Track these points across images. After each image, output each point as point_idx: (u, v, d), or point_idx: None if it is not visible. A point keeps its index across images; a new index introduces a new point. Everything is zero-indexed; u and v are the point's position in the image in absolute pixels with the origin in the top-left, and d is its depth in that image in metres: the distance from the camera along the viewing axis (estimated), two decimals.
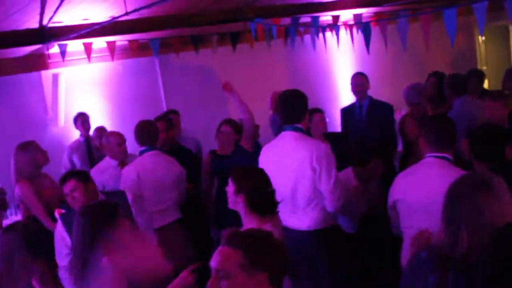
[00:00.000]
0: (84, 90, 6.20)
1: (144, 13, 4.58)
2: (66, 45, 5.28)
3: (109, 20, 4.85)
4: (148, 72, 6.62)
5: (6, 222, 4.21)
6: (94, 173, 4.33)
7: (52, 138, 5.92)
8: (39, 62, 5.71)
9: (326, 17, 6.48)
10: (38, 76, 5.86)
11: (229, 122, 4.91)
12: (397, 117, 5.71)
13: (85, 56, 5.43)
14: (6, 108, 5.58)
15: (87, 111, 5.87)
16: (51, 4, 4.35)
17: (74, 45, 5.38)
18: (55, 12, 4.49)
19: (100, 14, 5.14)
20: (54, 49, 5.35)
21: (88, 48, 5.39)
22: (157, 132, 4.41)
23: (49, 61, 5.70)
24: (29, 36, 4.94)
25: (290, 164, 3.38)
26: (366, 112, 5.33)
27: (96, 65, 6.05)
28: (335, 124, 6.72)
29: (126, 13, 4.11)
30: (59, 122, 5.89)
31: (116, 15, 4.73)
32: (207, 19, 5.93)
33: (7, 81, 5.59)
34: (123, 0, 4.08)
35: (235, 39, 6.54)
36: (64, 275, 2.84)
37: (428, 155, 3.03)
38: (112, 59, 5.63)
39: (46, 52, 5.45)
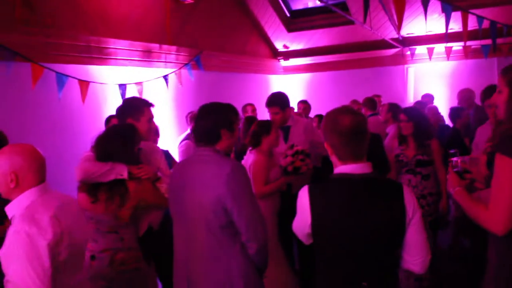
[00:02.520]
0: (428, 80, 8.76)
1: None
2: (415, 48, 8.14)
3: (446, 32, 7.31)
4: (481, 72, 8.28)
5: None
6: None
7: None
8: (400, 59, 8.74)
9: None
10: (401, 68, 8.89)
11: None
12: None
13: (427, 56, 8.06)
14: (375, 89, 8.74)
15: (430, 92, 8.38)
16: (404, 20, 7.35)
17: (421, 49, 8.16)
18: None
19: (437, 27, 7.65)
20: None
21: (430, 51, 7.99)
22: None
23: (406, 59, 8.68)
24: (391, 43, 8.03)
25: None
26: None
27: (437, 63, 8.48)
28: None
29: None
30: (408, 99, 8.73)
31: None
32: None
33: (378, 71, 8.92)
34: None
35: None
36: None
37: None
38: (448, 59, 7.99)
39: (403, 53, 8.47)
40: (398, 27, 7.61)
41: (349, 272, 1.98)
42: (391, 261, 2.04)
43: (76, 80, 4.77)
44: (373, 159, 3.24)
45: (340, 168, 2.01)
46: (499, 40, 6.56)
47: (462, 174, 2.34)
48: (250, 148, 3.92)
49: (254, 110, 6.80)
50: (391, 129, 5.55)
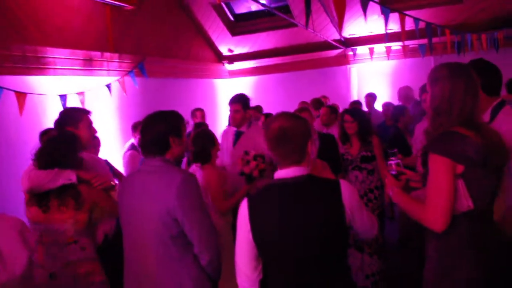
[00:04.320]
0: (370, 79, 9.02)
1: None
2: (356, 49, 8.34)
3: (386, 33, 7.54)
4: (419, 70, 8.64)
5: None
6: None
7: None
8: (343, 60, 8.94)
9: None
10: (344, 68, 9.09)
11: None
12: None
13: (369, 56, 8.29)
14: (321, 90, 8.91)
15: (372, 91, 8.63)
16: (344, 22, 7.51)
17: (362, 49, 8.37)
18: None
19: (378, 28, 7.89)
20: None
21: (371, 51, 8.23)
22: None
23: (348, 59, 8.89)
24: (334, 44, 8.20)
25: None
26: None
27: (378, 62, 8.75)
28: None
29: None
30: (352, 98, 8.95)
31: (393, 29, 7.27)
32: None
33: (323, 72, 9.09)
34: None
35: None
36: None
37: None
38: (388, 58, 8.25)
39: (345, 54, 8.67)
40: (339, 28, 7.82)
41: (295, 278, 1.96)
42: (338, 262, 2.01)
43: (12, 92, 4.55)
44: (327, 160, 3.36)
45: (277, 173, 2.01)
46: (434, 40, 6.84)
47: (397, 176, 2.42)
48: (197, 164, 3.73)
49: (203, 115, 6.75)
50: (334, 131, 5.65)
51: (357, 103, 7.68)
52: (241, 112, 4.26)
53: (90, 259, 2.76)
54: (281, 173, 2.00)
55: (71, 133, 2.99)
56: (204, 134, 3.79)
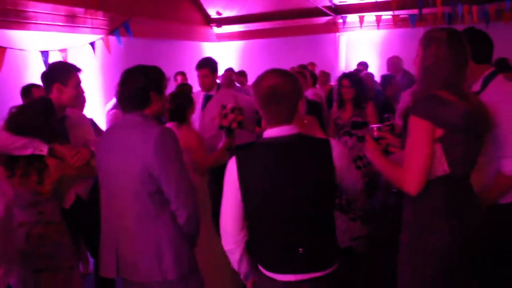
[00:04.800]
0: (359, 48, 8.95)
1: None
2: (346, 16, 8.24)
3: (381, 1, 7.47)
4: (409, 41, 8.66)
5: None
6: None
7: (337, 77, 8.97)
8: (332, 28, 8.84)
9: None
10: (333, 36, 9.00)
11: None
12: None
13: (359, 25, 8.21)
14: (309, 57, 8.83)
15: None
16: None
17: (352, 18, 8.27)
18: None
19: None
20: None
21: (361, 19, 8.14)
22: None
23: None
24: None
25: None
26: None
27: (367, 31, 8.67)
28: None
29: None
30: (340, 67, 8.90)
31: None
32: None
33: (312, 39, 8.99)
34: None
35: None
36: None
37: None
38: (378, 27, 8.18)
39: (335, 21, 8.57)
40: None
41: (283, 238, 1.95)
42: (326, 223, 2.02)
43: None
44: None
45: (266, 132, 1.97)
46: (425, 10, 6.80)
47: (378, 140, 2.43)
48: (173, 124, 3.59)
49: (185, 79, 6.65)
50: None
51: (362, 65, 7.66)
52: (209, 77, 4.23)
53: (46, 222, 2.71)
54: (271, 132, 1.95)
55: (47, 100, 2.87)
56: (180, 93, 3.70)
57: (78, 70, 3.18)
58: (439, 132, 2.02)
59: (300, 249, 1.93)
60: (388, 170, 2.21)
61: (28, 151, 2.62)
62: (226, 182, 1.99)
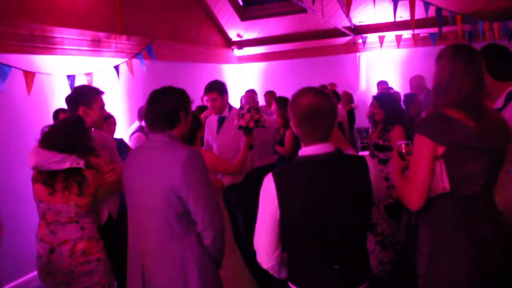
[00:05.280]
0: (379, 68, 8.95)
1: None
2: (366, 37, 8.26)
3: (395, 20, 7.46)
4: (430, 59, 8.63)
5: None
6: None
7: (358, 96, 8.93)
8: (352, 48, 8.86)
9: None
10: (353, 56, 9.02)
11: None
12: None
13: (379, 44, 8.22)
14: (329, 77, 8.87)
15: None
16: (352, 10, 7.44)
17: (372, 37, 8.29)
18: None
19: (388, 16, 7.80)
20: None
21: (381, 39, 8.15)
22: None
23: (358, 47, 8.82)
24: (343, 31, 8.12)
25: None
26: None
27: (387, 50, 8.67)
28: None
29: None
30: (360, 86, 8.90)
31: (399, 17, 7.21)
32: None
33: (333, 59, 9.03)
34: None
35: None
36: None
37: None
38: (398, 47, 8.17)
39: (355, 41, 8.60)
40: (347, 14, 7.74)
41: (319, 256, 1.95)
42: (362, 240, 2.04)
43: (21, 71, 4.56)
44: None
45: (303, 151, 1.98)
46: (446, 29, 6.77)
47: (404, 156, 2.42)
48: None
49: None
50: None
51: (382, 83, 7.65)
52: (218, 99, 4.21)
53: (88, 238, 2.78)
54: (308, 150, 1.96)
55: (79, 118, 2.96)
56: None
57: (102, 93, 3.27)
58: (441, 149, 2.03)
59: (336, 265, 1.94)
60: (399, 185, 2.23)
61: (67, 165, 2.70)
62: (263, 201, 1.98)
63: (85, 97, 3.18)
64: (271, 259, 2.00)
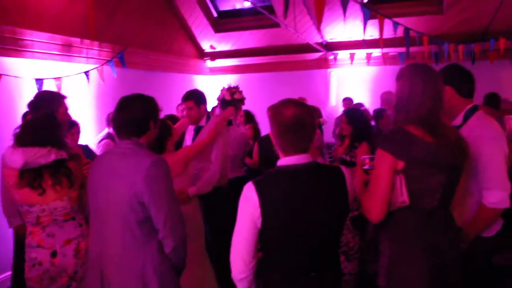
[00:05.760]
0: (349, 84, 9.12)
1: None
2: (337, 53, 8.43)
3: (366, 40, 7.64)
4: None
5: None
6: None
7: (327, 112, 9.06)
8: (323, 64, 9.02)
9: None
10: (324, 72, 9.17)
11: None
12: None
13: (349, 61, 8.40)
14: (300, 92, 8.96)
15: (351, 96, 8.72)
16: (324, 27, 7.58)
17: (343, 54, 8.47)
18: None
19: (359, 34, 7.98)
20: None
21: (352, 56, 8.33)
22: None
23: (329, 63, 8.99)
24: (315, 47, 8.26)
25: None
26: None
27: (358, 68, 8.85)
28: None
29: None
30: (330, 102, 9.04)
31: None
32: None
33: (304, 74, 9.18)
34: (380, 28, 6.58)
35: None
36: None
37: None
38: (368, 64, 8.37)
39: (326, 58, 8.76)
40: (318, 28, 7.85)
41: (299, 264, 1.98)
42: (337, 247, 2.13)
43: None
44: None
45: (283, 160, 2.02)
46: (414, 49, 6.98)
47: (367, 170, 2.50)
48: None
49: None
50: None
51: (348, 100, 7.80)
52: (194, 109, 4.15)
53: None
54: (288, 160, 2.00)
55: (52, 113, 2.94)
56: (160, 124, 3.72)
57: (64, 97, 3.27)
58: (401, 164, 2.11)
59: (313, 273, 1.99)
60: (362, 198, 2.28)
61: (52, 157, 2.67)
62: (243, 210, 2.00)
63: (48, 102, 3.16)
64: (248, 268, 2.00)
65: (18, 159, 2.62)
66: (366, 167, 2.54)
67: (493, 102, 5.79)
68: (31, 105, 3.23)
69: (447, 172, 2.14)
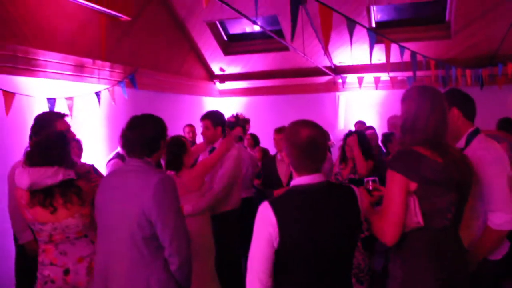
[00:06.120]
0: (358, 108, 9.15)
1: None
2: (346, 77, 8.50)
3: (374, 64, 7.70)
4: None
5: None
6: None
7: (336, 135, 9.09)
8: (332, 87, 9.08)
9: None
10: (333, 95, 9.22)
11: None
12: None
13: (358, 85, 8.44)
14: (308, 115, 9.04)
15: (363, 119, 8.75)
16: (333, 50, 7.65)
17: (352, 78, 8.53)
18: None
19: (367, 58, 8.04)
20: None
21: (360, 80, 8.38)
22: None
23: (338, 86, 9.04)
24: (325, 71, 8.33)
25: None
26: None
27: (366, 91, 8.89)
28: None
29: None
30: (339, 125, 9.06)
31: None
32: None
33: (313, 97, 9.23)
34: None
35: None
36: None
37: None
38: (376, 88, 8.40)
39: (335, 81, 8.82)
40: (325, 52, 7.93)
41: (314, 283, 2.00)
42: (350, 267, 2.14)
43: (0, 91, 4.56)
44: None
45: (298, 180, 2.06)
46: (422, 73, 7.03)
47: (371, 191, 2.51)
48: (171, 173, 3.71)
49: (192, 130, 6.79)
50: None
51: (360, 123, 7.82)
52: (211, 129, 4.23)
53: None
54: (302, 180, 2.05)
55: (61, 132, 3.00)
56: (174, 141, 3.77)
57: (63, 116, 3.30)
58: (413, 185, 2.11)
59: None
60: (372, 220, 2.28)
61: (59, 177, 2.71)
62: (260, 230, 2.01)
63: (46, 124, 3.21)
64: (265, 286, 2.00)
65: (24, 180, 2.68)
66: (369, 188, 2.57)
67: (506, 126, 5.79)
68: (31, 129, 3.28)
69: (457, 190, 2.15)
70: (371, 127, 7.86)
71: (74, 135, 3.43)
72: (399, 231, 2.12)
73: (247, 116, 6.17)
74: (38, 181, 2.67)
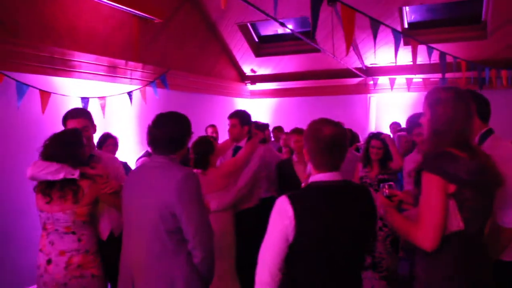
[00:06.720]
0: (389, 110, 9.05)
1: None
2: (377, 78, 8.42)
3: (411, 65, 7.60)
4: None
5: None
6: None
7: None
8: (363, 89, 9.01)
9: None
10: (364, 97, 9.14)
11: None
12: None
13: (390, 86, 8.35)
14: (339, 117, 8.98)
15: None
16: (365, 52, 7.58)
17: (383, 79, 8.44)
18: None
19: (400, 59, 7.95)
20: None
21: (392, 81, 8.29)
22: None
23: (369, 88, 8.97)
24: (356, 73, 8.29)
25: None
26: None
27: (398, 93, 8.79)
28: None
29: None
30: (370, 127, 8.98)
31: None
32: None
33: (343, 99, 9.18)
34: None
35: None
36: None
37: None
38: (408, 90, 8.29)
39: (366, 83, 8.75)
40: (347, 53, 7.89)
41: (326, 279, 2.01)
42: (361, 265, 2.15)
43: (37, 90, 4.76)
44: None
45: (317, 177, 2.08)
46: (457, 74, 6.89)
47: (390, 197, 2.50)
48: (198, 171, 3.78)
49: (215, 131, 6.86)
50: None
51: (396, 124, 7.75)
52: (237, 127, 4.30)
53: (84, 251, 2.86)
54: (322, 176, 2.08)
55: (77, 130, 3.07)
56: (202, 141, 3.85)
57: (73, 117, 3.30)
58: (452, 188, 2.05)
59: None
60: (403, 226, 2.22)
61: (61, 175, 2.82)
62: (275, 223, 2.03)
63: (62, 121, 3.32)
64: (274, 281, 2.02)
65: (28, 171, 2.83)
66: (386, 193, 2.54)
67: None
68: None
69: (490, 192, 2.13)
70: (404, 129, 7.75)
71: (115, 137, 3.52)
72: (440, 236, 2.04)
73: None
74: (38, 176, 2.81)
